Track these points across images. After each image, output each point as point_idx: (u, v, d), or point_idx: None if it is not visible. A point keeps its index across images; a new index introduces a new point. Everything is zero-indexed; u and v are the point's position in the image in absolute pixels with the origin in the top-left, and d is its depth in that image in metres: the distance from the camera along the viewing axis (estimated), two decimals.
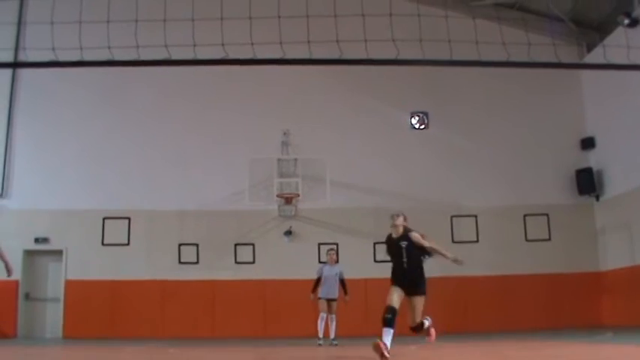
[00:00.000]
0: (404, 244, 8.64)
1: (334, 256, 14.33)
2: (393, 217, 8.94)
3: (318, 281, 13.86)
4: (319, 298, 13.80)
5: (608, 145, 17.53)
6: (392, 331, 8.04)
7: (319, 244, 17.15)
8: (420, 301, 8.60)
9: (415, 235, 8.60)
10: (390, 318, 8.12)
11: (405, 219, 8.87)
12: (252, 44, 7.39)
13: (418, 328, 8.75)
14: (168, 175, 17.58)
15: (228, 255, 17.32)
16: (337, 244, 16.89)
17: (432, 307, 16.82)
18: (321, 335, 13.55)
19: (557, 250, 17.55)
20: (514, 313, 16.96)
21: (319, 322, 13.64)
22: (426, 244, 8.55)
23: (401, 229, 8.76)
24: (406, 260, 8.62)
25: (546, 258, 17.42)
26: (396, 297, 8.41)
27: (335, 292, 13.81)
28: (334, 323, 13.74)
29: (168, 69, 16.12)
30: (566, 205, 17.97)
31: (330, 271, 13.91)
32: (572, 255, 17.53)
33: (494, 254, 17.42)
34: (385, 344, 7.82)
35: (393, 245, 8.90)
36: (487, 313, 16.92)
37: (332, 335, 13.64)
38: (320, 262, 16.18)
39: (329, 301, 13.73)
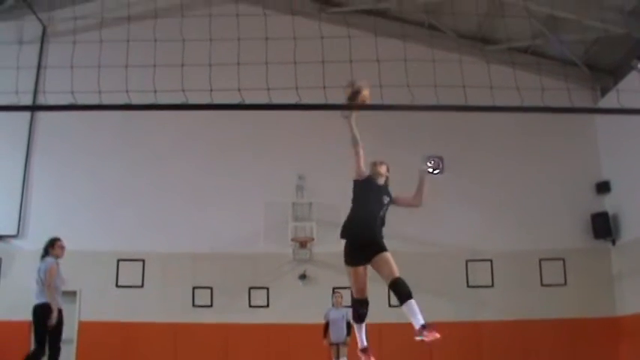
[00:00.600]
0: (386, 199, 8.03)
1: (340, 299, 14.30)
2: (377, 163, 8.30)
3: (326, 326, 13.79)
4: (330, 345, 13.84)
5: (623, 189, 17.45)
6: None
7: (334, 289, 17.04)
8: (388, 256, 7.81)
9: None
10: (365, 313, 7.80)
11: (388, 170, 8.34)
12: (269, 89, 7.46)
13: (402, 285, 7.67)
14: (183, 217, 17.62)
15: (242, 298, 17.27)
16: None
17: (446, 353, 16.75)
18: None
19: (573, 294, 17.38)
20: (530, 359, 16.77)
21: None
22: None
23: (383, 181, 8.16)
24: (382, 216, 7.91)
25: (562, 303, 17.25)
26: (364, 283, 7.88)
27: (342, 335, 13.78)
28: None
29: (183, 114, 16.32)
30: (582, 249, 17.84)
31: (336, 314, 13.87)
32: (588, 300, 17.34)
33: (509, 299, 17.28)
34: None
35: (372, 191, 8.09)
36: (502, 359, 16.72)
37: None
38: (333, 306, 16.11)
39: (337, 345, 13.72)
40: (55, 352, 10.23)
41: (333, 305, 14.30)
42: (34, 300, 10.41)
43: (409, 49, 8.91)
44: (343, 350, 13.62)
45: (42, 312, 10.19)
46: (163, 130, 17.93)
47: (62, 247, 10.76)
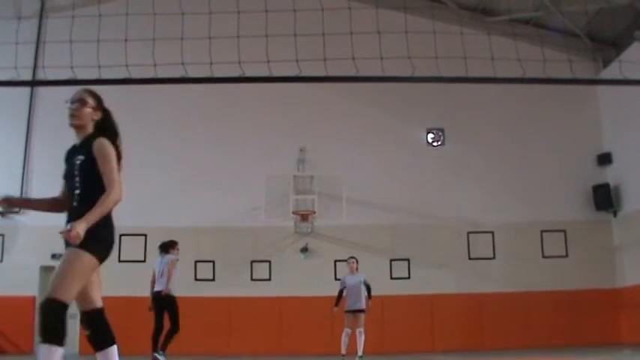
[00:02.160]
0: (80, 158, 4.84)
1: (354, 265, 13.51)
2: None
3: (340, 293, 13.20)
4: (345, 312, 13.15)
5: (625, 161, 17.43)
6: None
7: (335, 261, 17.13)
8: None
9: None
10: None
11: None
12: (269, 62, 7.43)
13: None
14: (185, 192, 17.63)
15: (244, 272, 17.32)
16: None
17: (448, 324, 16.85)
18: (344, 351, 12.99)
19: (574, 266, 17.42)
20: (531, 330, 16.85)
21: (343, 336, 13.03)
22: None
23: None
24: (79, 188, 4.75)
25: (563, 274, 17.29)
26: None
27: (361, 302, 13.04)
28: (363, 337, 12.92)
29: (184, 87, 16.24)
30: (584, 221, 17.85)
31: (353, 280, 13.20)
32: (589, 271, 17.39)
33: (510, 271, 17.33)
34: None
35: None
36: (503, 330, 16.80)
37: (359, 352, 12.86)
38: (336, 279, 16.17)
39: (355, 312, 13.01)
40: (175, 327, 12.39)
41: (349, 272, 13.51)
42: (156, 287, 12.53)
43: (410, 21, 8.84)
44: (361, 318, 12.99)
45: (161, 297, 12.36)
46: (163, 105, 17.89)
47: (178, 250, 12.67)
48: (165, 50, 8.71)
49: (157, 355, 12.15)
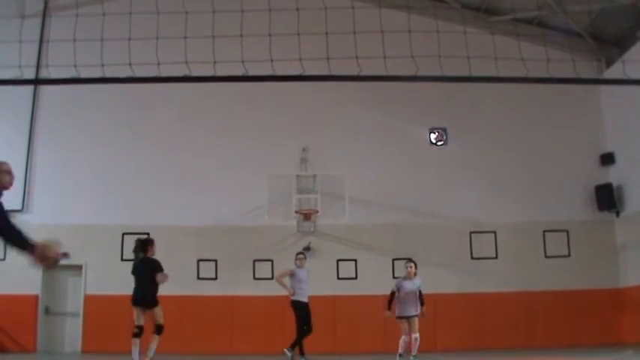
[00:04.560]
0: None
1: (413, 269, 12.74)
2: None
3: (392, 296, 12.63)
4: (399, 317, 12.61)
5: (627, 161, 17.42)
6: None
7: (338, 261, 17.15)
8: None
9: None
10: None
11: None
12: (272, 61, 7.44)
13: None
14: (188, 191, 17.65)
15: (247, 271, 17.33)
16: (355, 261, 16.98)
17: (450, 324, 16.84)
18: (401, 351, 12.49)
19: (576, 266, 17.42)
20: (533, 330, 16.85)
21: (401, 342, 12.47)
22: None
23: None
24: None
25: (566, 274, 17.29)
26: None
27: (415, 308, 12.53)
28: (418, 342, 12.38)
29: (186, 86, 16.26)
30: (586, 221, 17.84)
31: (410, 286, 12.58)
32: (592, 271, 17.38)
33: (513, 270, 17.33)
34: None
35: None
36: (506, 330, 16.81)
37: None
38: (338, 278, 16.18)
39: (408, 318, 12.50)
40: (309, 329, 13.27)
41: (406, 276, 12.78)
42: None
43: (413, 21, 8.85)
44: (415, 324, 12.35)
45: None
46: (167, 104, 17.91)
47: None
48: (168, 49, 8.71)
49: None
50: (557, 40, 17.32)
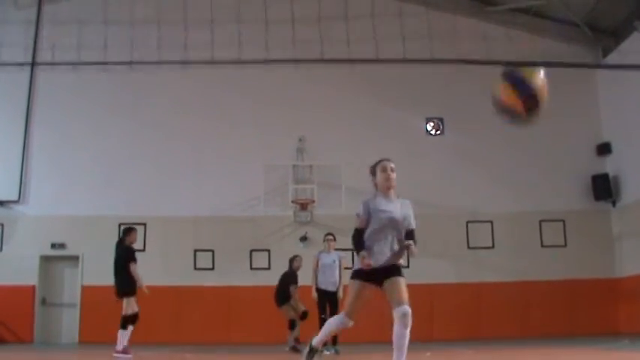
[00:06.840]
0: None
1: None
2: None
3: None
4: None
5: (624, 151, 17.43)
6: None
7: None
8: None
9: None
10: None
11: None
12: (267, 45, 7.45)
13: None
14: (184, 182, 17.65)
15: (244, 261, 17.35)
16: (352, 251, 17.00)
17: (447, 313, 16.87)
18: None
19: (573, 256, 17.46)
20: (529, 320, 16.90)
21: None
22: None
23: None
24: None
25: (562, 264, 17.33)
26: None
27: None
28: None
29: (183, 75, 16.22)
30: (583, 210, 17.87)
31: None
32: (588, 261, 17.42)
33: (509, 260, 17.38)
34: None
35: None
36: (502, 320, 16.86)
37: None
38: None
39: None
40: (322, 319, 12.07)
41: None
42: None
43: (403, 8, 8.84)
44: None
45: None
46: (163, 94, 17.88)
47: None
48: (166, 35, 8.71)
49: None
50: (554, 30, 17.29)
